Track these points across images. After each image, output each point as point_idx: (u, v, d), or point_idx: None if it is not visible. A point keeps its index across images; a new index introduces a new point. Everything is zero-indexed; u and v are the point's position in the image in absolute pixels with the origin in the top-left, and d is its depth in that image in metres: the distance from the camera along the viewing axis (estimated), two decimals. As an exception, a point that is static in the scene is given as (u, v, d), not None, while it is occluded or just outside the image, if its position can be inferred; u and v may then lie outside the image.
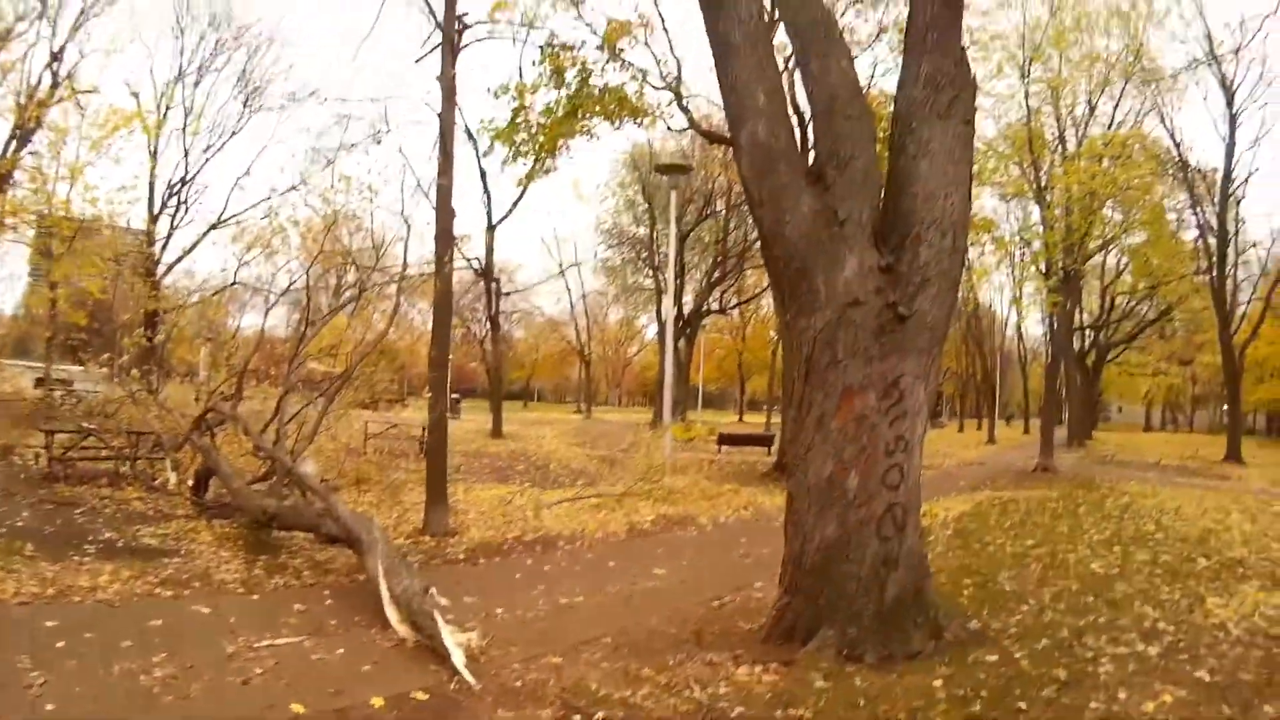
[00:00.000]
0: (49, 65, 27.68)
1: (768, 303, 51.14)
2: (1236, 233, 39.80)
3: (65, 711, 5.83)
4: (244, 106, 33.32)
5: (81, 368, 29.49)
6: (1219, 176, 38.11)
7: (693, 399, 56.43)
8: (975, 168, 7.94)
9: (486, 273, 32.31)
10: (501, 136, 17.66)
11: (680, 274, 35.23)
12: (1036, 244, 30.29)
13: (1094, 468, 29.22)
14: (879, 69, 23.27)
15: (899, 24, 22.53)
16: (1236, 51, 34.95)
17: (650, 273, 50.60)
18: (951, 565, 9.94)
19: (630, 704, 6.03)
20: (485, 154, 19.22)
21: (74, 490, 14.30)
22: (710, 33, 7.44)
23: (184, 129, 32.10)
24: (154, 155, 30.85)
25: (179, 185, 31.72)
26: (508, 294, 41.85)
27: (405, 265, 16.74)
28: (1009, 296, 50.84)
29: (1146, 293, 45.10)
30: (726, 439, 32.52)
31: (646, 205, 47.88)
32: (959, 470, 28.19)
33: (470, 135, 26.00)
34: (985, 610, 7.86)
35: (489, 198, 30.98)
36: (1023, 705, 5.55)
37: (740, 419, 60.89)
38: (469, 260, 30.25)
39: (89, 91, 27.02)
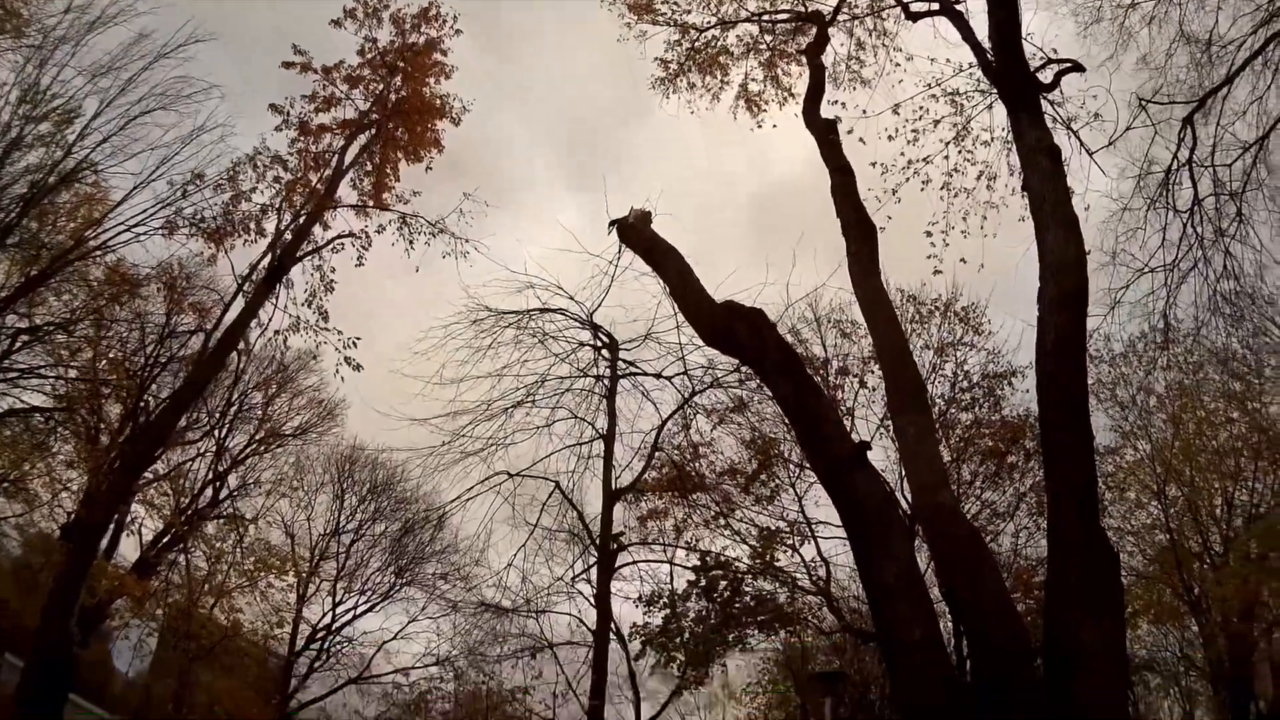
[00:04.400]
0: (211, 482, 29.87)
1: None
2: None
3: None
4: (396, 577, 34.73)
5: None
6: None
7: None
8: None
9: None
10: (654, 644, 18.10)
11: None
12: (1199, 659, 28.56)
13: None
14: (1022, 536, 23.52)
15: (1037, 489, 23.06)
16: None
17: None
18: None
19: None
20: (636, 658, 19.57)
21: None
22: (862, 572, 7.82)
23: (334, 582, 33.43)
24: (301, 598, 31.96)
25: (323, 632, 32.61)
26: None
27: None
28: (1179, 713, 47.42)
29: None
30: None
31: (799, 703, 46.85)
32: None
33: (621, 637, 26.47)
34: None
35: (638, 698, 30.37)
36: None
37: None
38: None
39: (249, 521, 28.81)
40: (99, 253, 20.63)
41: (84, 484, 21.92)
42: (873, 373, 22.45)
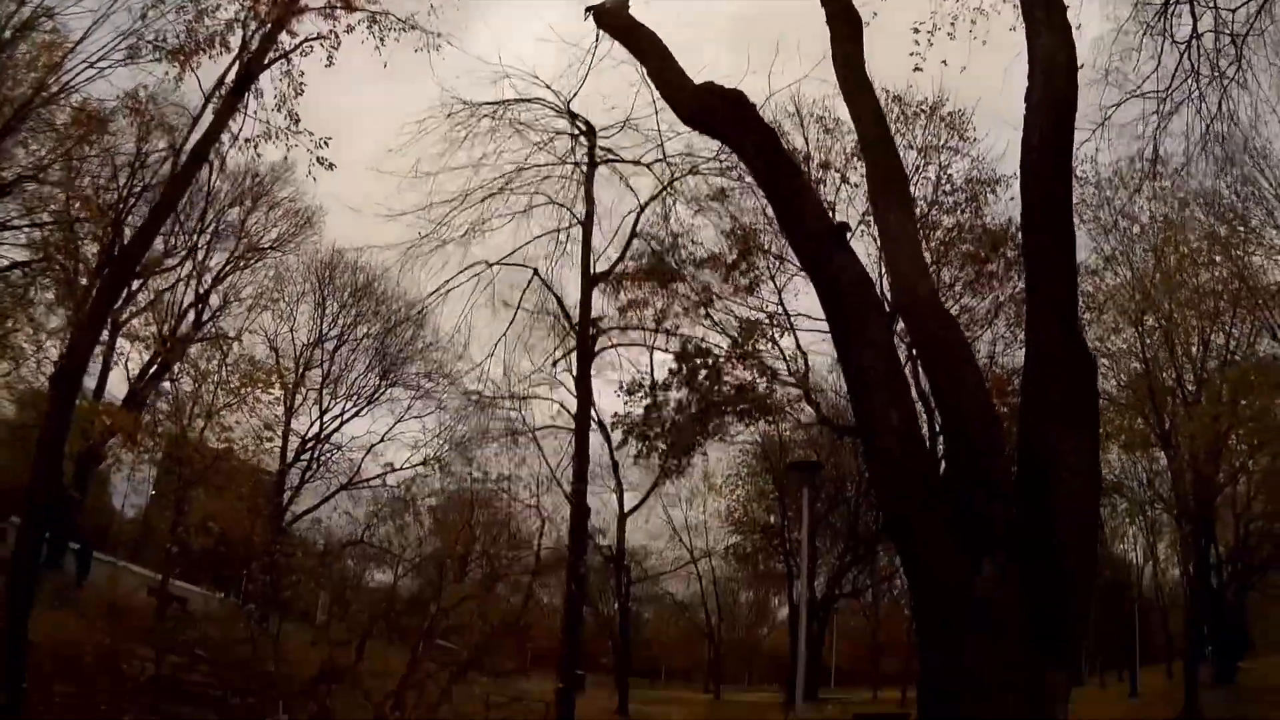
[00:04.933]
0: (194, 305, 29.85)
1: (901, 582, 50.19)
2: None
3: None
4: (380, 379, 34.95)
5: (199, 589, 30.13)
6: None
7: (825, 678, 55.08)
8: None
9: (617, 560, 32.57)
10: (635, 433, 18.30)
11: (811, 564, 35.16)
12: (1166, 492, 29.63)
13: (1243, 705, 27.65)
14: (999, 344, 23.79)
15: (1016, 299, 23.28)
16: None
17: (781, 558, 50.49)
18: None
19: None
20: (618, 447, 19.99)
21: (178, 710, 14.46)
22: (839, 353, 7.89)
23: (320, 390, 33.70)
24: (289, 410, 32.28)
25: (313, 442, 33.08)
26: (638, 580, 41.87)
27: (539, 556, 17.04)
28: (1142, 543, 50.17)
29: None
30: (861, 718, 32.05)
31: (777, 494, 48.29)
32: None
33: (603, 427, 26.87)
34: None
35: (620, 487, 31.39)
36: None
37: (874, 696, 58.63)
38: (600, 548, 30.50)
39: (231, 339, 28.87)
40: (63, 96, 20.33)
41: (67, 330, 21.85)
42: (855, 169, 22.26)
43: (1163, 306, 28.08)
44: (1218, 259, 28.07)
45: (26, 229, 23.32)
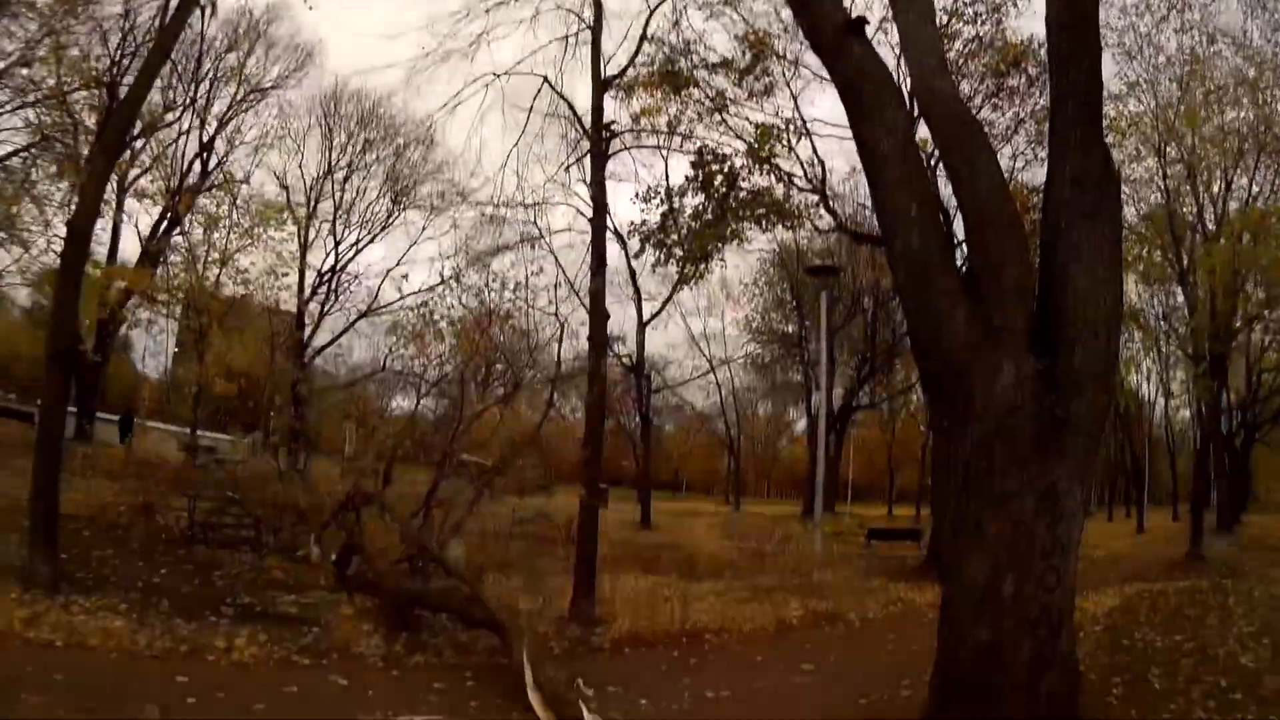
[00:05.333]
0: (199, 154, 29.40)
1: (917, 396, 50.64)
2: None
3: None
4: (393, 204, 34.57)
5: (228, 437, 30.67)
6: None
7: (841, 492, 55.96)
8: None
9: (637, 370, 32.72)
10: (652, 241, 18.05)
11: (830, 374, 35.36)
12: (1182, 329, 29.49)
13: (1243, 555, 27.85)
14: (1019, 161, 23.20)
15: (1036, 115, 22.63)
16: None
17: (799, 368, 50.72)
18: (1101, 663, 9.53)
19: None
20: (636, 255, 19.71)
21: (214, 554, 14.67)
22: (859, 144, 7.60)
23: (334, 221, 33.43)
24: (304, 245, 32.11)
25: (329, 274, 32.99)
26: (658, 390, 42.18)
27: (559, 364, 16.87)
28: (1155, 381, 50.16)
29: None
30: (876, 533, 32.27)
31: (795, 304, 48.15)
32: (1108, 561, 27.03)
33: (620, 236, 26.60)
34: (1134, 711, 7.62)
35: (639, 296, 31.47)
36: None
37: (890, 513, 59.97)
38: (620, 357, 30.60)
39: (239, 182, 28.50)
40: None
41: (73, 195, 21.63)
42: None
43: (1186, 139, 27.21)
44: (1244, 100, 27.20)
45: (21, 111, 22.96)
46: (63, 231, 21.76)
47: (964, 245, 7.70)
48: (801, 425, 65.91)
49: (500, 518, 20.60)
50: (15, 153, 23.49)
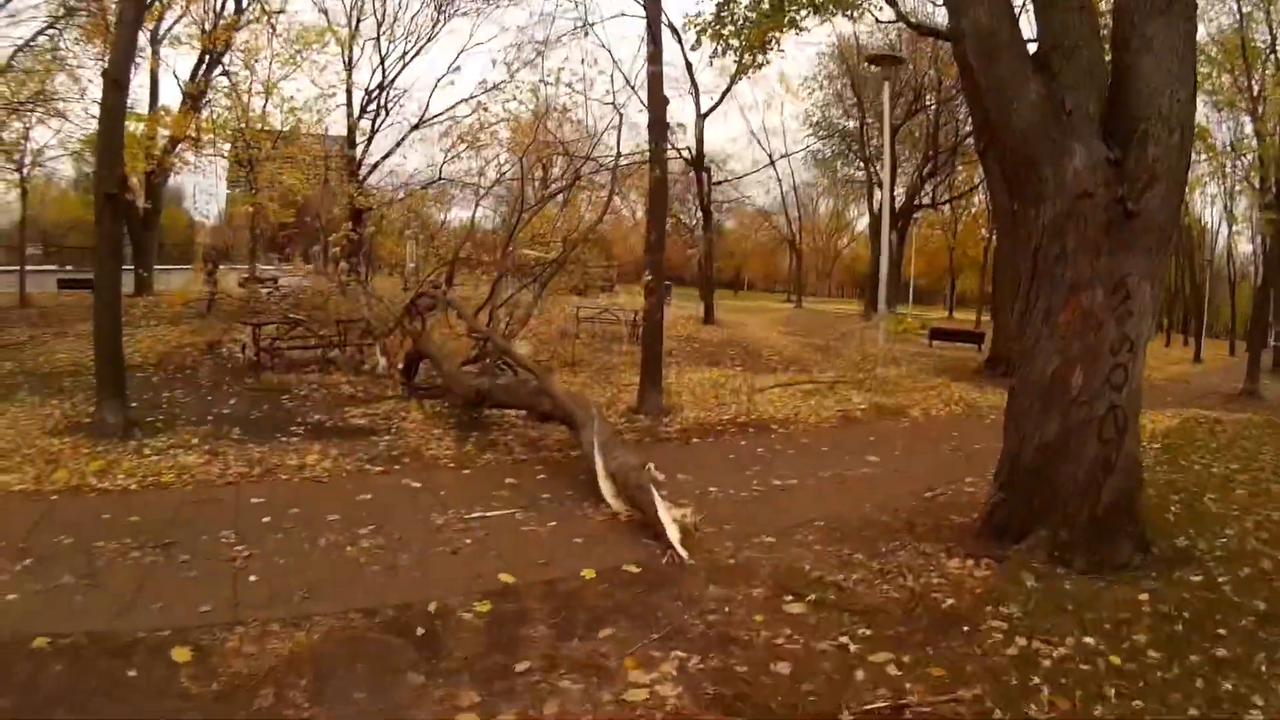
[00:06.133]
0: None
1: (979, 199, 49.64)
2: None
3: (269, 583, 5.98)
4: (438, 12, 33.52)
5: (288, 265, 30.90)
6: None
7: (903, 294, 55.99)
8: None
9: (697, 162, 32.30)
10: (709, 32, 17.41)
11: (892, 167, 34.60)
12: (1250, 157, 28.42)
13: None
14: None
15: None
16: None
17: (861, 165, 49.85)
18: (1159, 480, 9.58)
19: (842, 587, 6.11)
20: (693, 48, 18.99)
21: (281, 378, 14.69)
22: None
23: (378, 37, 32.58)
24: (349, 65, 31.30)
25: (377, 91, 32.33)
26: (718, 183, 41.64)
27: (619, 153, 16.42)
28: (1219, 209, 48.31)
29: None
30: (938, 333, 32.34)
31: (855, 99, 46.92)
32: (1165, 385, 26.90)
33: (674, 30, 25.89)
34: (1191, 530, 7.62)
35: (696, 90, 31.03)
36: (1222, 632, 5.41)
37: (950, 315, 59.64)
38: (679, 150, 30.17)
39: (276, 13, 27.75)
40: None
41: (106, 48, 21.16)
42: None
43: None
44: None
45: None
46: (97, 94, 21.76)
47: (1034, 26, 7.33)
48: (862, 224, 65.97)
49: (566, 318, 20.66)
50: (39, 33, 23.05)
